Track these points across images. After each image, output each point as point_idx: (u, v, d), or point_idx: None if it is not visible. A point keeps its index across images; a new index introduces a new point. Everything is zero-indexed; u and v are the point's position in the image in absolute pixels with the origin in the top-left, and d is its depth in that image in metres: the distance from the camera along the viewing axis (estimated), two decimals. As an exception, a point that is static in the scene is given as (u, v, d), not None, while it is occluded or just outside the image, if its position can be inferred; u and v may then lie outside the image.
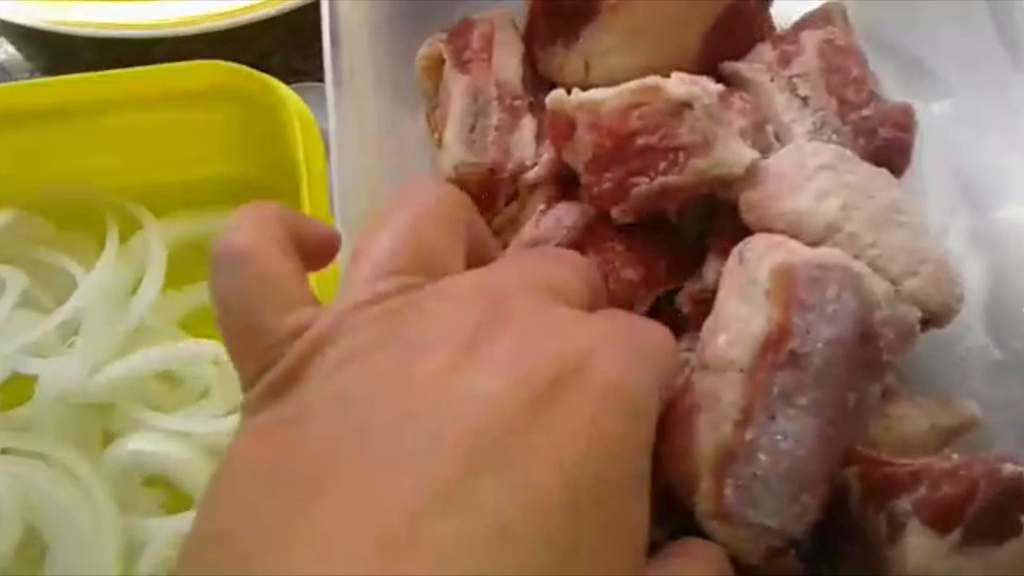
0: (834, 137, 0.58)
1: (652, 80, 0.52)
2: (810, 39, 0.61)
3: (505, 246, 0.57)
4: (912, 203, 0.53)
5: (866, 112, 0.58)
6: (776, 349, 0.47)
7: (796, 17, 0.64)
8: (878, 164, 0.55)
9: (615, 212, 0.55)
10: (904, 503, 0.47)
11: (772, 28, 0.64)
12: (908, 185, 0.58)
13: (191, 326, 0.64)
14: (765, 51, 0.62)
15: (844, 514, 0.50)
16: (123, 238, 0.63)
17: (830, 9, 0.64)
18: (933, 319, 0.51)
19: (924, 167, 0.59)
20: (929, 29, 0.60)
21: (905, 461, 0.49)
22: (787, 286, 0.47)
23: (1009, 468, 0.46)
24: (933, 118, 0.59)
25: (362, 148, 0.55)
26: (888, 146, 0.57)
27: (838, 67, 0.60)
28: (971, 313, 0.55)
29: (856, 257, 0.50)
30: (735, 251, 0.51)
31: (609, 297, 0.51)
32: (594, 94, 0.53)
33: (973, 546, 0.46)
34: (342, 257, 0.50)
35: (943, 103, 0.59)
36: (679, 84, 0.52)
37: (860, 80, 0.59)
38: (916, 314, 0.47)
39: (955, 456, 0.50)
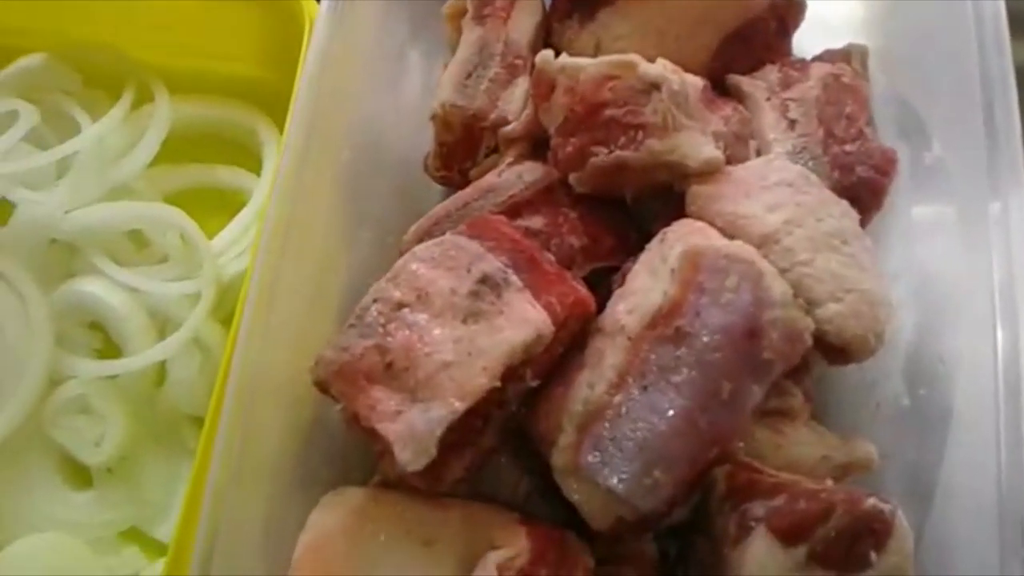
0: (811, 163, 0.58)
1: (629, 56, 0.54)
2: (818, 70, 0.62)
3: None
4: (861, 239, 0.53)
5: (849, 148, 0.58)
6: (664, 323, 0.47)
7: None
8: (849, 200, 0.55)
9: (573, 179, 0.56)
10: (757, 508, 0.47)
11: (789, 55, 0.65)
12: (878, 226, 0.58)
13: (174, 201, 0.67)
14: (771, 71, 0.63)
15: (704, 511, 0.50)
16: (136, 105, 0.67)
17: (852, 50, 0.64)
18: (848, 349, 0.50)
19: (896, 216, 0.59)
20: (934, 89, 0.60)
21: (775, 473, 0.49)
22: (692, 268, 0.48)
23: (871, 502, 0.45)
24: (916, 167, 0.58)
25: (347, 53, 0.57)
26: (862, 184, 0.57)
27: (836, 101, 0.60)
28: (894, 362, 0.54)
29: (784, 271, 0.50)
30: (661, 231, 0.52)
31: (541, 251, 0.52)
32: (577, 60, 0.55)
33: (815, 569, 0.45)
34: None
35: (927, 155, 0.59)
36: (655, 66, 0.54)
37: (853, 117, 0.59)
38: (807, 322, 0.47)
39: (829, 482, 0.50)
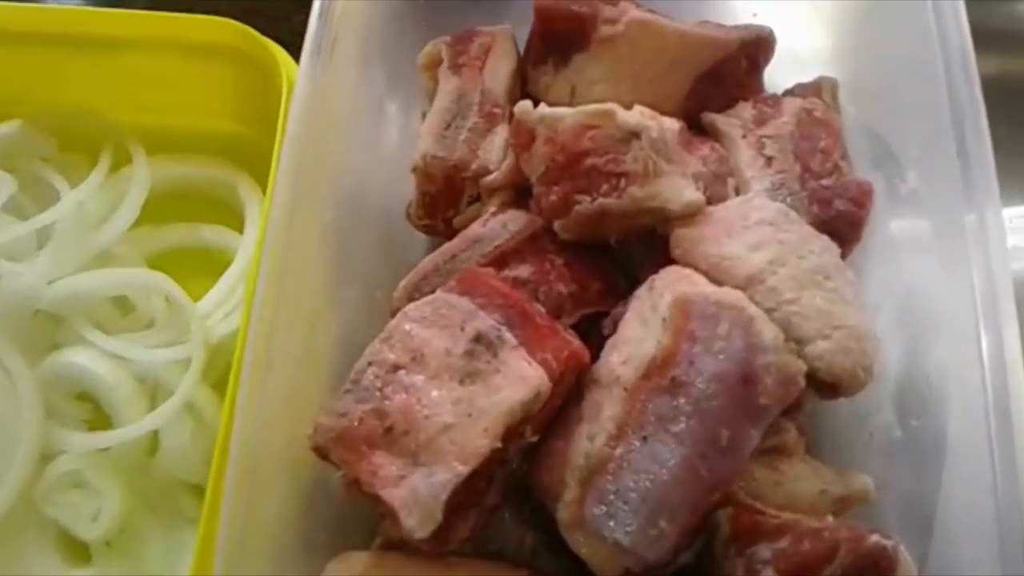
0: (789, 199, 0.59)
1: (609, 106, 0.54)
2: (790, 105, 0.63)
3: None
4: (844, 273, 0.54)
5: (826, 182, 0.59)
6: (660, 373, 0.48)
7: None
8: (829, 233, 0.56)
9: (557, 226, 0.56)
10: (764, 551, 0.47)
11: (761, 91, 0.66)
12: (858, 255, 0.59)
13: (158, 263, 0.67)
14: (745, 109, 0.64)
15: (709, 556, 0.51)
16: (114, 168, 0.67)
17: (822, 83, 0.65)
18: (839, 385, 0.51)
19: (875, 248, 0.60)
20: (904, 118, 0.61)
21: (777, 513, 0.49)
22: (683, 316, 0.48)
23: (874, 539, 0.46)
24: (892, 198, 0.60)
25: (328, 109, 0.57)
26: (840, 218, 0.58)
27: (810, 135, 0.61)
28: (884, 392, 0.55)
29: (771, 310, 0.51)
30: (649, 279, 0.52)
31: (531, 304, 0.52)
32: (556, 110, 0.56)
33: (824, 608, 0.46)
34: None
35: (902, 186, 0.60)
36: (634, 114, 0.54)
37: (827, 151, 0.60)
38: (799, 365, 0.48)
39: (830, 519, 0.51)
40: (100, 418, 0.62)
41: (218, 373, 0.64)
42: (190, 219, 0.69)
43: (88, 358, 0.60)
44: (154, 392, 0.62)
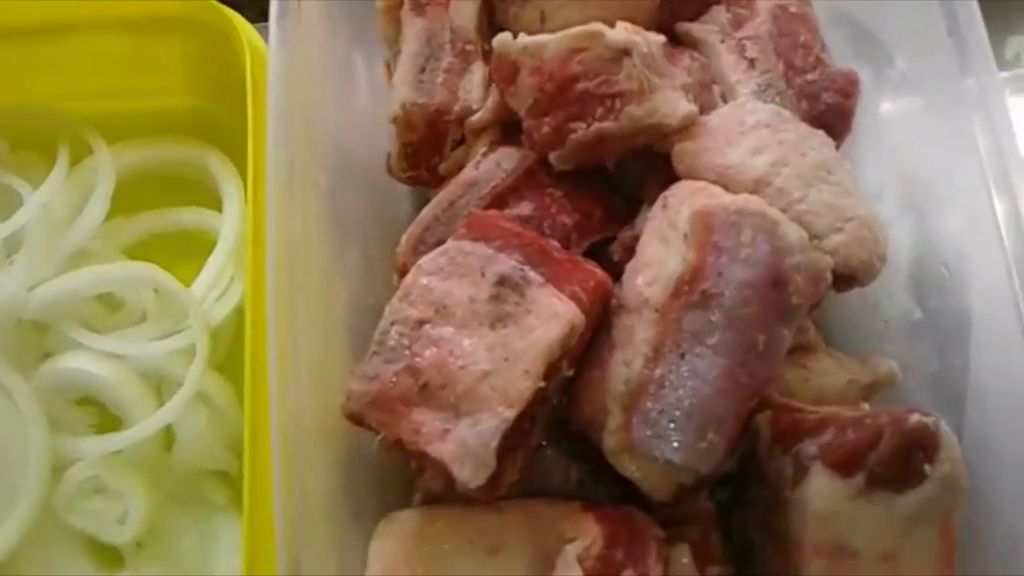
0: (778, 99, 0.58)
1: (594, 26, 0.53)
2: (764, 3, 0.62)
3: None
4: (844, 165, 0.54)
5: (811, 77, 0.59)
6: (689, 290, 0.47)
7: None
8: (819, 127, 0.56)
9: (553, 157, 0.55)
10: (809, 447, 0.48)
11: (731, -9, 0.65)
12: (847, 153, 0.59)
13: (136, 254, 0.65)
14: (719, 13, 0.63)
15: (754, 460, 0.51)
16: (74, 161, 0.64)
17: (789, -23, 0.65)
18: (855, 276, 0.51)
19: (865, 135, 0.60)
20: (881, 2, 0.61)
21: (815, 408, 0.50)
22: (704, 229, 0.48)
23: (915, 418, 0.47)
24: (880, 84, 0.59)
25: (304, 75, 0.55)
26: (830, 110, 0.58)
27: (788, 32, 0.60)
28: (896, 279, 0.56)
29: (784, 211, 0.51)
30: (660, 197, 0.52)
31: (545, 239, 0.52)
32: (538, 38, 0.54)
33: (876, 492, 0.46)
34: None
35: (889, 71, 0.60)
36: (620, 32, 0.53)
37: (808, 46, 0.60)
38: (827, 261, 0.48)
39: (866, 407, 0.52)
40: (108, 420, 0.60)
41: (220, 357, 0.62)
42: (163, 204, 0.66)
43: (84, 361, 0.58)
44: (159, 385, 0.60)
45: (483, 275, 0.48)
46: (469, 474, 0.44)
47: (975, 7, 0.52)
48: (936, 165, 0.56)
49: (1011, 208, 0.48)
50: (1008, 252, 0.48)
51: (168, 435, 0.59)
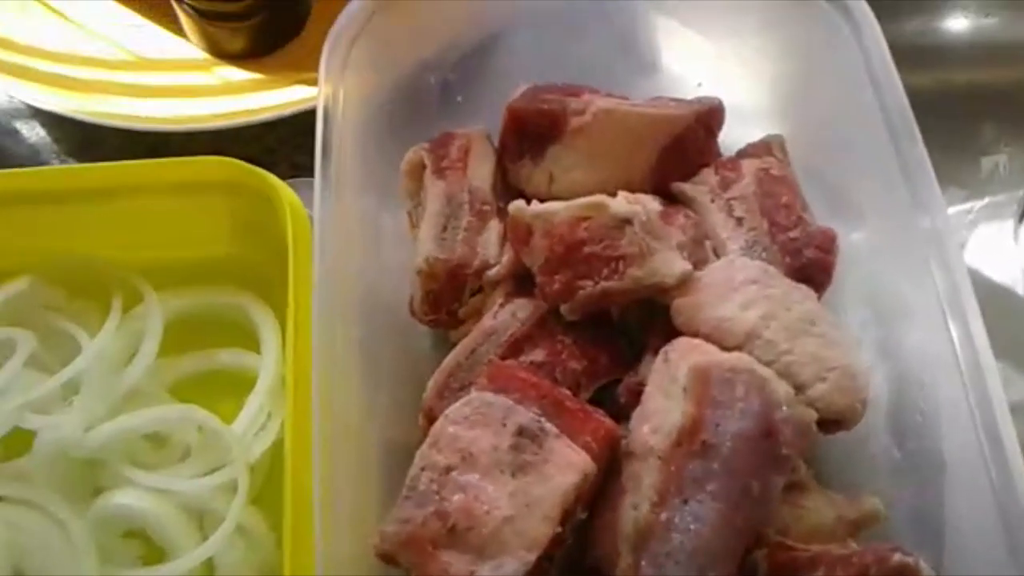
0: (764, 254, 0.65)
1: (599, 198, 0.60)
2: (748, 167, 0.69)
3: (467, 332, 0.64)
4: (826, 316, 0.60)
5: (793, 234, 0.65)
6: (690, 440, 0.53)
7: (741, 145, 0.73)
8: (802, 281, 0.62)
9: (564, 309, 0.62)
10: (803, 583, 0.53)
11: (718, 154, 0.72)
12: (829, 302, 0.65)
13: (180, 392, 0.70)
14: (709, 175, 0.70)
15: (752, 595, 0.56)
16: (126, 308, 0.70)
17: (770, 141, 0.72)
18: (840, 420, 0.57)
19: (844, 288, 0.66)
20: (853, 164, 0.68)
21: (807, 547, 0.55)
22: (702, 385, 0.54)
23: (897, 557, 0.52)
24: (852, 243, 0.66)
25: (343, 237, 0.61)
26: (811, 265, 0.64)
27: (771, 193, 0.67)
28: (877, 418, 0.61)
29: (771, 362, 0.57)
30: (661, 351, 0.58)
31: (558, 389, 0.57)
32: (549, 206, 0.61)
33: (862, 625, 0.51)
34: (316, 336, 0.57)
35: (861, 232, 0.67)
36: (622, 203, 0.60)
37: (790, 206, 0.67)
38: (812, 414, 0.54)
39: (854, 545, 0.56)
40: (152, 552, 0.64)
41: (256, 490, 0.67)
42: (204, 345, 0.72)
43: (134, 497, 0.63)
44: (200, 518, 0.64)
45: (504, 425, 0.53)
46: (493, 613, 0.49)
47: (924, 157, 0.59)
48: (903, 302, 0.62)
49: (969, 349, 0.55)
50: (969, 395, 0.54)
51: (209, 565, 0.63)
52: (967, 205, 0.94)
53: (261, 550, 0.64)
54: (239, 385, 0.70)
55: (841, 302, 0.66)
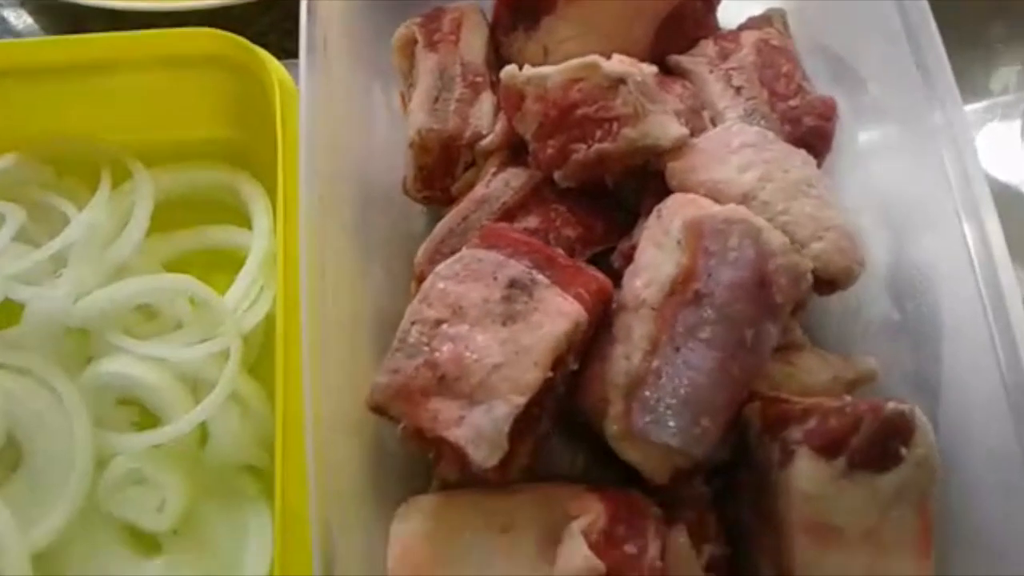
0: (763, 123, 0.64)
1: (592, 58, 0.59)
2: (748, 38, 0.68)
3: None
4: (824, 181, 0.59)
5: (793, 103, 0.64)
6: (683, 290, 0.53)
7: (742, 20, 0.71)
8: (801, 148, 0.61)
9: (557, 176, 0.61)
10: (795, 433, 0.52)
11: (717, 28, 0.71)
12: (833, 167, 0.64)
13: (172, 269, 0.69)
14: (707, 47, 0.68)
15: (745, 448, 0.56)
16: (115, 185, 0.69)
17: (771, 14, 0.70)
18: (836, 280, 0.56)
19: (843, 160, 0.65)
20: (857, 36, 0.67)
21: (800, 399, 0.55)
22: (695, 236, 0.53)
23: (891, 406, 0.52)
24: (856, 111, 0.65)
25: (331, 109, 0.60)
26: (810, 133, 0.63)
27: (771, 63, 0.66)
28: (877, 283, 0.61)
29: (768, 221, 0.56)
30: (655, 209, 0.57)
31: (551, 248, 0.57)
32: (541, 70, 0.60)
33: (857, 472, 0.51)
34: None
35: (864, 98, 0.65)
36: (615, 63, 0.59)
37: (790, 75, 0.66)
38: (807, 263, 0.53)
39: (848, 398, 0.56)
40: (148, 418, 0.64)
41: (250, 361, 0.67)
42: (196, 223, 0.71)
43: (126, 364, 0.63)
44: (194, 386, 0.64)
45: (495, 279, 0.53)
46: (483, 456, 0.49)
47: (939, 44, 0.57)
48: (910, 189, 0.61)
49: (978, 229, 0.53)
50: (975, 263, 0.53)
51: (203, 432, 0.63)
52: (975, 105, 0.92)
53: (257, 419, 0.64)
54: (231, 262, 0.70)
55: (841, 179, 0.65)
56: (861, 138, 0.67)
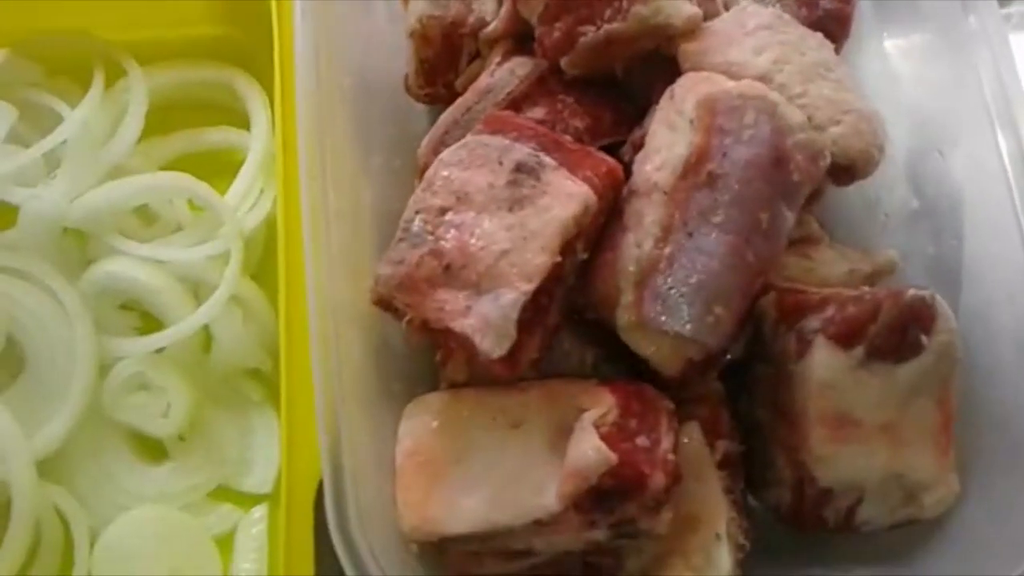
0: (777, 5, 0.61)
1: (601, -67, 0.55)
2: (764, -83, 0.64)
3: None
4: (842, 64, 0.57)
5: (810, -16, 0.61)
6: (696, 171, 0.50)
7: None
8: (818, 32, 0.58)
9: (564, 63, 0.58)
10: (812, 322, 0.51)
11: (733, -89, 0.67)
12: (855, 56, 0.61)
13: (172, 170, 0.67)
14: (722, -72, 0.65)
15: (760, 340, 0.54)
16: (109, 84, 0.67)
17: None
18: (854, 166, 0.54)
19: (869, 64, 0.62)
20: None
21: (818, 289, 0.53)
22: (709, 113, 0.50)
23: (912, 293, 0.50)
24: (884, 14, 0.62)
25: (328, 9, 0.58)
26: (828, 16, 0.60)
27: (789, -56, 0.63)
28: (894, 171, 0.58)
29: (785, 104, 0.54)
30: (668, 89, 0.54)
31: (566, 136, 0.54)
32: (548, -55, 0.57)
33: (875, 362, 0.50)
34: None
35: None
36: (625, -62, 0.55)
37: (808, -45, 0.62)
38: (825, 140, 0.51)
39: (866, 289, 0.54)
40: (149, 322, 0.63)
41: (252, 264, 0.65)
42: (193, 124, 0.69)
43: (126, 266, 0.62)
44: (196, 289, 0.63)
45: (501, 163, 0.51)
46: (491, 345, 0.47)
47: None
48: (935, 73, 0.58)
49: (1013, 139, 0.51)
50: (1001, 145, 0.50)
51: (206, 336, 0.62)
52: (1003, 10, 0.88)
53: (260, 321, 0.63)
54: (229, 165, 0.68)
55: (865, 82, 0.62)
56: (884, 29, 0.64)
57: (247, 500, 0.60)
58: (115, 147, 0.64)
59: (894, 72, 0.62)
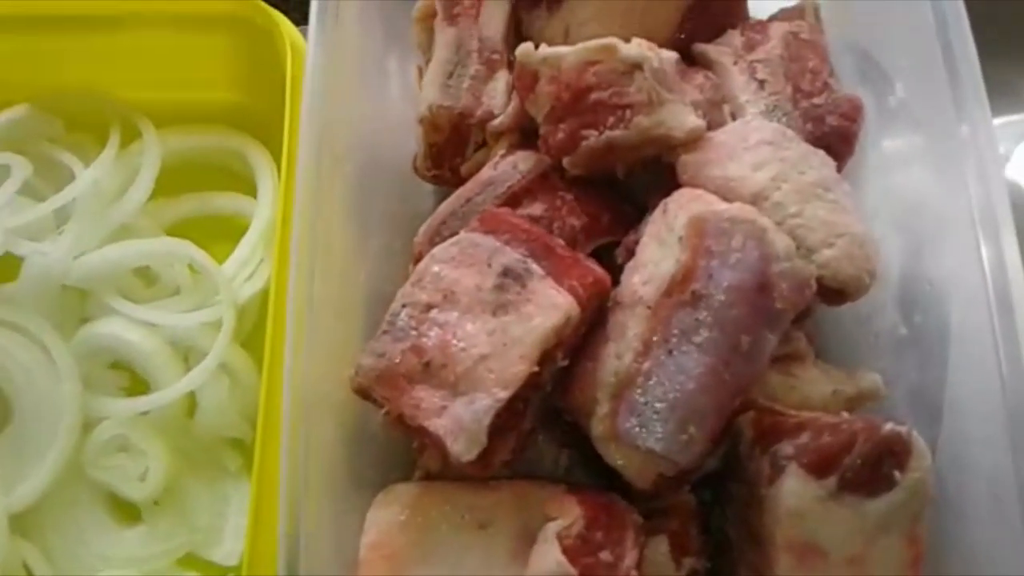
0: (784, 119, 0.61)
1: (609, 40, 0.56)
2: (777, 29, 0.65)
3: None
4: (842, 185, 0.57)
5: (817, 100, 0.62)
6: (681, 289, 0.50)
7: (775, 10, 0.68)
8: (823, 149, 0.58)
9: (566, 162, 0.59)
10: (786, 447, 0.50)
11: (746, 17, 0.68)
12: (853, 168, 0.62)
13: (175, 233, 0.68)
14: (734, 36, 0.66)
15: (735, 459, 0.54)
16: (124, 144, 0.68)
17: (804, 5, 0.67)
18: (845, 290, 0.54)
19: (869, 160, 0.63)
20: (889, 33, 0.63)
21: (796, 412, 0.53)
22: (698, 233, 0.51)
23: (888, 426, 0.49)
24: (882, 113, 0.62)
25: (340, 74, 0.59)
26: (833, 133, 0.61)
27: (798, 57, 0.63)
28: (886, 292, 0.58)
29: (778, 224, 0.53)
30: (662, 203, 0.55)
31: (551, 237, 0.55)
32: (557, 50, 0.58)
33: (847, 495, 0.49)
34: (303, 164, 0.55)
35: (891, 99, 0.62)
36: (633, 47, 0.56)
37: (816, 71, 0.63)
38: (811, 270, 0.51)
39: (845, 415, 0.54)
40: (136, 384, 0.64)
41: (245, 333, 0.66)
42: (202, 188, 0.71)
43: (120, 327, 0.63)
44: (186, 355, 0.64)
45: (489, 265, 0.51)
46: (462, 448, 0.47)
47: (972, 52, 0.54)
48: (929, 197, 0.58)
49: (994, 243, 0.51)
50: (988, 281, 0.50)
51: (191, 402, 0.63)
52: (1013, 116, 0.88)
53: (246, 392, 0.63)
54: (235, 230, 0.69)
55: (863, 180, 0.63)
56: (884, 143, 0.64)
57: (214, 571, 0.60)
58: (124, 206, 0.65)
59: (891, 187, 0.62)
